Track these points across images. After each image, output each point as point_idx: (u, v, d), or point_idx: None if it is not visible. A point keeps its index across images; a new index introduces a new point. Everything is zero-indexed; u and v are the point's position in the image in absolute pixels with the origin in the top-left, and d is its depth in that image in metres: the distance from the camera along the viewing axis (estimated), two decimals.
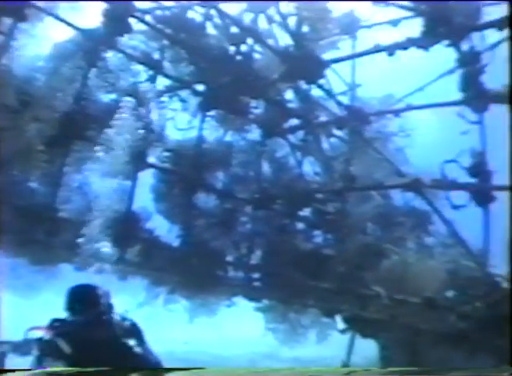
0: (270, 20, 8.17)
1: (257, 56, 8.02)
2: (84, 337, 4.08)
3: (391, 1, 7.66)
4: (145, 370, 4.08)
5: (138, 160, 7.13)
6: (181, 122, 8.05)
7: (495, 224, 7.08)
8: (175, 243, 7.71)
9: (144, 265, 7.14)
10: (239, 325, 11.25)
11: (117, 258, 6.58)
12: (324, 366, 8.78)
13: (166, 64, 7.71)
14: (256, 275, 7.73)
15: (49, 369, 3.84)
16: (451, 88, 7.54)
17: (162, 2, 7.76)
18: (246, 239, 7.79)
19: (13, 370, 3.91)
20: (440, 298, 6.38)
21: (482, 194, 6.86)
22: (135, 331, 4.32)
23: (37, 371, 3.89)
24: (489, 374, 3.89)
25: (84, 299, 4.34)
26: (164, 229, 7.90)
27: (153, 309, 8.66)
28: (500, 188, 6.87)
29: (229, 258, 7.79)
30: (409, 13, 7.57)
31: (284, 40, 7.90)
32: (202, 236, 7.74)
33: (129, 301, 6.98)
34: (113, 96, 7.07)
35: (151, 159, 7.76)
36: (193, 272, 7.36)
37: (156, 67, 7.50)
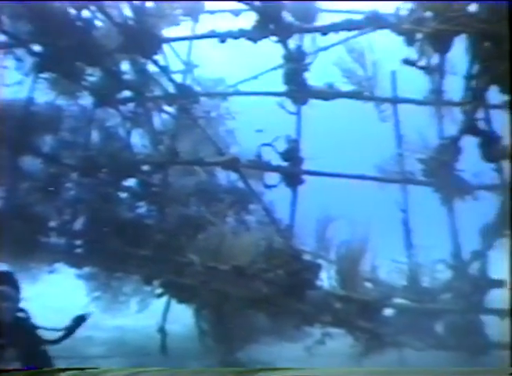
0: None
1: (98, 23, 8.02)
2: None
3: None
4: (36, 370, 4.04)
5: None
6: (11, 81, 7.79)
7: (303, 204, 7.96)
8: None
9: None
10: (61, 293, 11.09)
11: None
12: (145, 335, 9.01)
13: (4, 19, 7.41)
14: (78, 242, 7.79)
15: None
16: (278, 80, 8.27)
17: None
18: (69, 205, 7.83)
19: (14, 370, 3.74)
20: (247, 266, 6.91)
21: (292, 177, 7.66)
22: None
23: None
24: (489, 375, 3.95)
25: None
26: None
27: None
28: (309, 172, 7.78)
29: (52, 224, 7.78)
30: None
31: (127, 12, 7.99)
32: (25, 199, 7.63)
33: None
34: None
35: None
36: (14, 235, 7.22)
37: None
